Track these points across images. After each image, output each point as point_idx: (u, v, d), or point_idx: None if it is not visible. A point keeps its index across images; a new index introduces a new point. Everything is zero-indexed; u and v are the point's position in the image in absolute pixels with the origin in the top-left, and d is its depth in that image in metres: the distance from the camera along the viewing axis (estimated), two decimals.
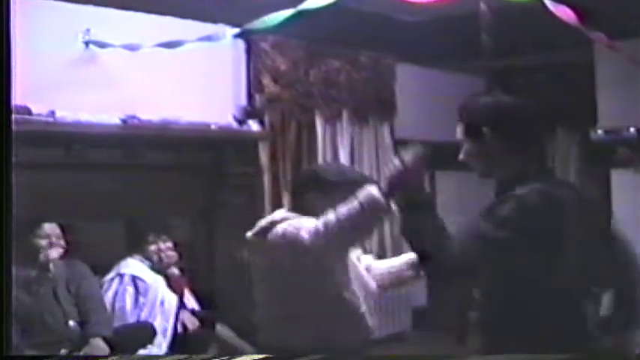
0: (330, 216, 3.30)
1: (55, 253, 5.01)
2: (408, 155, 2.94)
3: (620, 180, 7.20)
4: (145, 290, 5.40)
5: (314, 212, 3.47)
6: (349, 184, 3.50)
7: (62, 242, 5.04)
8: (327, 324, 3.50)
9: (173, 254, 5.62)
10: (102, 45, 5.59)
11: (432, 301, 6.90)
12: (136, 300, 5.37)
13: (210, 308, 5.73)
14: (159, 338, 5.33)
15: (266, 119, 6.72)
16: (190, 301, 5.69)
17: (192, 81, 6.03)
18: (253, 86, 6.74)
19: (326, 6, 4.43)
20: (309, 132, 7.08)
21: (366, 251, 4.01)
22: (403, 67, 7.83)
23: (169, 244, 5.62)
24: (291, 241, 3.38)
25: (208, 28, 5.62)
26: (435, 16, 6.01)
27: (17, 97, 4.53)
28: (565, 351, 2.58)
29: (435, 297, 6.70)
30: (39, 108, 5.25)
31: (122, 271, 5.46)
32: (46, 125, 5.26)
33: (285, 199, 6.72)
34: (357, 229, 3.34)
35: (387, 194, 3.14)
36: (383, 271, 3.80)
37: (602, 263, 2.77)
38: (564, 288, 2.60)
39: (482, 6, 4.97)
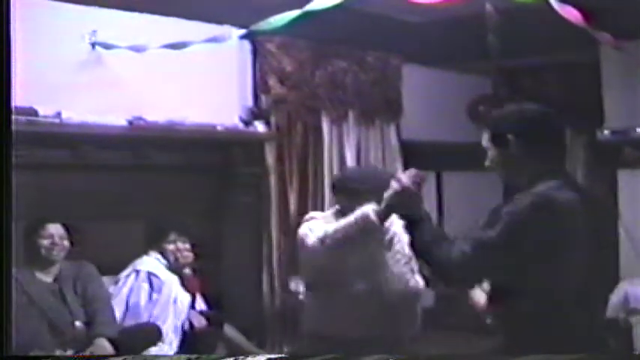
0: (330, 229, 3.74)
1: (58, 253, 5.03)
2: (405, 178, 3.08)
3: (627, 180, 7.19)
4: (159, 287, 5.43)
5: (344, 213, 3.88)
6: (370, 191, 3.78)
7: (66, 242, 5.06)
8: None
9: (189, 255, 5.65)
10: (108, 46, 5.60)
11: (440, 302, 6.90)
12: (150, 296, 5.41)
13: (218, 308, 5.74)
14: (170, 336, 5.36)
15: (272, 120, 6.72)
16: (200, 303, 5.70)
17: (198, 82, 6.03)
18: (259, 87, 6.74)
19: (332, 7, 4.43)
20: (315, 133, 7.08)
21: None
22: (410, 68, 7.82)
23: (187, 245, 5.64)
24: (300, 243, 3.91)
25: (214, 29, 5.61)
26: (442, 17, 6.00)
27: (24, 99, 4.57)
28: (576, 351, 2.60)
29: (441, 298, 6.69)
30: (45, 109, 5.26)
31: (138, 267, 5.50)
32: (53, 126, 5.28)
33: (292, 199, 6.75)
34: (350, 243, 3.72)
35: (383, 214, 3.49)
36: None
37: (609, 264, 2.80)
38: (567, 289, 2.62)
39: (489, 7, 4.98)
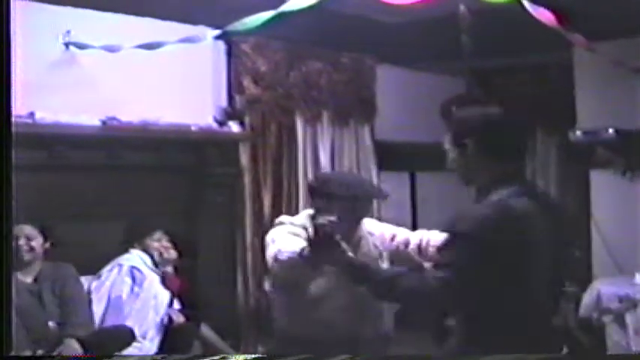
0: (283, 247, 3.62)
1: (28, 254, 5.02)
2: (316, 226, 3.12)
3: (599, 180, 7.24)
4: (142, 281, 5.47)
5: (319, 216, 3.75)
6: (348, 197, 3.78)
7: (35, 244, 5.06)
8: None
9: (173, 252, 5.71)
10: (82, 46, 5.58)
11: None
12: (132, 290, 5.44)
13: (193, 308, 5.75)
14: (151, 332, 5.38)
15: (246, 120, 6.72)
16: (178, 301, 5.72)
17: (173, 82, 6.03)
18: (234, 88, 6.74)
19: (307, 8, 4.44)
20: (289, 133, 7.08)
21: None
22: (384, 69, 7.84)
23: (170, 244, 5.70)
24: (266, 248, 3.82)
25: (188, 29, 5.61)
26: (416, 18, 6.02)
27: None
28: (539, 351, 2.62)
29: None
30: (18, 109, 5.22)
31: (121, 261, 5.53)
32: (26, 127, 5.25)
33: (267, 199, 6.76)
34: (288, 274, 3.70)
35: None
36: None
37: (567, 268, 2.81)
38: (526, 291, 2.64)
39: (462, 8, 5.00)
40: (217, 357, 3.12)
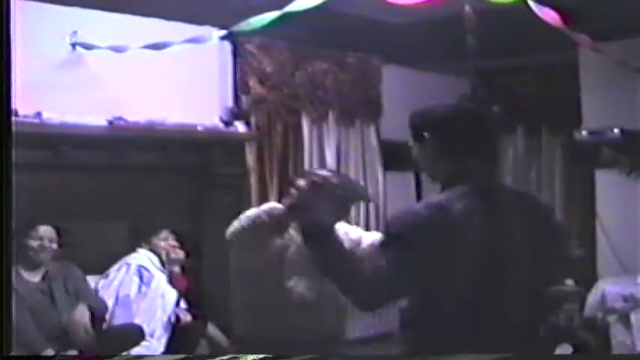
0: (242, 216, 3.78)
1: (45, 255, 5.05)
2: (304, 182, 3.05)
3: (604, 180, 7.24)
4: (149, 281, 5.50)
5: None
6: (346, 199, 3.68)
7: (54, 245, 5.12)
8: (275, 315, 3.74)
9: (180, 252, 5.74)
10: (89, 47, 5.60)
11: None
12: (140, 289, 5.47)
13: (198, 307, 5.77)
14: (159, 331, 5.40)
15: (252, 120, 6.73)
16: (185, 301, 5.73)
17: (179, 82, 6.04)
18: (239, 88, 6.76)
19: (312, 8, 4.45)
20: (295, 133, 7.10)
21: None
22: (390, 69, 7.85)
23: (177, 243, 5.73)
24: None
25: (195, 30, 5.62)
26: (421, 18, 6.02)
27: None
28: (487, 352, 2.59)
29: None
30: (25, 109, 5.25)
31: (129, 261, 5.55)
32: (33, 127, 5.27)
33: (272, 199, 6.75)
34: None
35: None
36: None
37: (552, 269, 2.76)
38: (469, 292, 2.59)
39: (467, 8, 5.00)
40: (227, 357, 3.11)
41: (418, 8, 5.13)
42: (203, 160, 6.31)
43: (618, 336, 6.18)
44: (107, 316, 5.32)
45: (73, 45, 5.62)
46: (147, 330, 5.33)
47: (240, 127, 6.56)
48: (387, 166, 7.77)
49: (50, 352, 4.78)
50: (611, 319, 6.23)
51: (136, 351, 5.09)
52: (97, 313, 5.12)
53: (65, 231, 5.18)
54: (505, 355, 2.61)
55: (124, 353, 4.95)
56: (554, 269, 2.72)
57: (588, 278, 6.80)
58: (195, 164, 6.30)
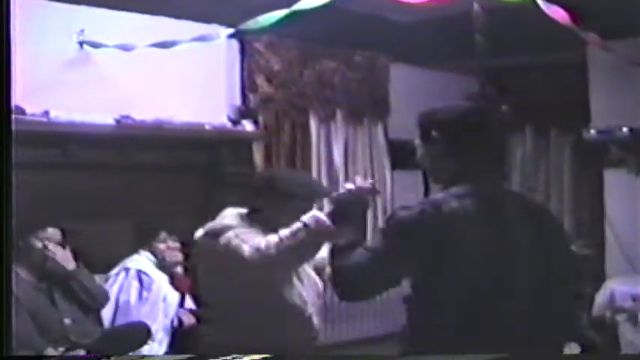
0: (274, 237, 3.30)
1: (50, 256, 5.04)
2: (359, 181, 3.05)
3: (612, 180, 7.22)
4: (149, 285, 5.46)
5: (264, 219, 3.57)
6: (301, 197, 3.58)
7: (59, 248, 5.09)
8: (268, 327, 3.54)
9: (179, 254, 5.68)
10: (96, 45, 5.60)
11: None
12: (140, 295, 5.43)
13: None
14: (160, 334, 5.37)
15: (260, 119, 6.73)
16: (189, 302, 5.71)
17: (186, 81, 6.03)
18: (247, 86, 6.75)
19: (320, 6, 4.44)
20: (303, 132, 7.09)
21: None
22: (397, 68, 7.84)
23: (177, 244, 5.68)
24: (233, 253, 3.40)
25: (202, 28, 5.63)
26: (429, 17, 6.02)
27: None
28: (481, 352, 2.59)
29: None
30: (33, 108, 5.25)
31: (128, 265, 5.52)
32: (40, 125, 5.27)
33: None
34: (299, 251, 3.33)
35: (333, 215, 3.19)
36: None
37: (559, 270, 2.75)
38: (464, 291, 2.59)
39: (476, 6, 4.99)
40: (229, 357, 3.09)
41: (426, 6, 5.13)
42: (211, 158, 6.31)
43: (627, 335, 6.17)
44: (107, 317, 5.32)
45: (81, 43, 5.62)
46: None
47: (247, 125, 6.55)
48: (395, 165, 7.76)
49: (51, 351, 4.76)
50: (620, 318, 6.22)
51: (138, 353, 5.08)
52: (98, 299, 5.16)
53: (71, 231, 5.16)
54: (503, 355, 2.61)
55: (131, 353, 4.94)
56: (553, 273, 2.72)
57: (597, 278, 6.79)
58: (202, 163, 6.29)
